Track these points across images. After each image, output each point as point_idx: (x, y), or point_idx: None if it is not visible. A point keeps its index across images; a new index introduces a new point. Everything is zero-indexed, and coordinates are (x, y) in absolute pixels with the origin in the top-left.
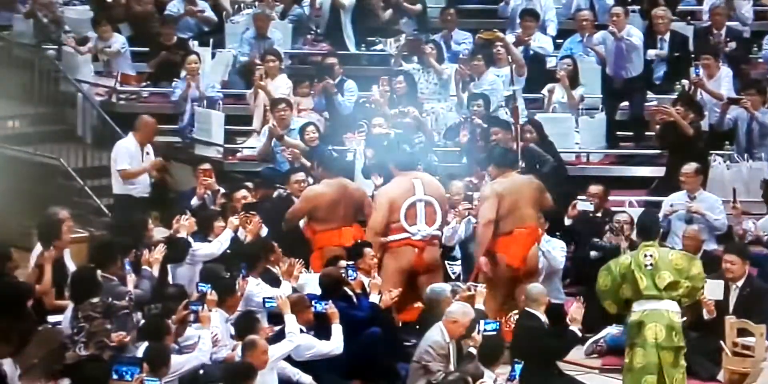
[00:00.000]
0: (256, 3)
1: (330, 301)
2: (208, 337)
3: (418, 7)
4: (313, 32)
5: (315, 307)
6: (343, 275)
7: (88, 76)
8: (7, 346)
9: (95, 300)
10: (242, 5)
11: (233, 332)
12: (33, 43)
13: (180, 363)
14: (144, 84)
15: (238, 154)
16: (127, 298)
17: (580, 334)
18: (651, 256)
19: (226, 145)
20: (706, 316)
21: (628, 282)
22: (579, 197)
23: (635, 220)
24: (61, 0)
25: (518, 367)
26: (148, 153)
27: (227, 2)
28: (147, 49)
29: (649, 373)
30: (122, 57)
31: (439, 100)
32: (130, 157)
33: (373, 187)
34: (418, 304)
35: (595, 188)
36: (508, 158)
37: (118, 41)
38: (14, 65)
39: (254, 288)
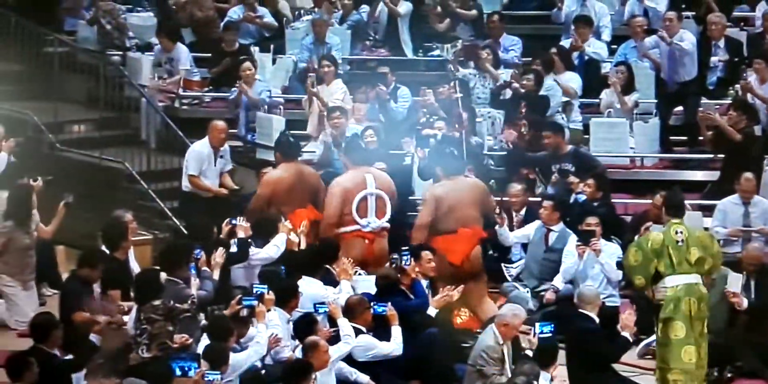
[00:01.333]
0: (316, 9)
1: (389, 304)
2: (264, 331)
3: (473, 12)
4: (371, 38)
5: (374, 310)
6: (398, 261)
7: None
8: None
9: (157, 302)
10: (302, 11)
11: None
12: (98, 49)
13: (240, 360)
14: (206, 89)
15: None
16: (189, 301)
17: (632, 341)
18: (681, 232)
19: None
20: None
21: (661, 258)
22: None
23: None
24: (124, 7)
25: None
26: (221, 156)
27: (287, 9)
28: (209, 54)
29: (688, 344)
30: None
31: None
32: (201, 162)
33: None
34: None
35: (657, 198)
36: (456, 164)
37: (182, 53)
38: (79, 71)
39: (321, 290)
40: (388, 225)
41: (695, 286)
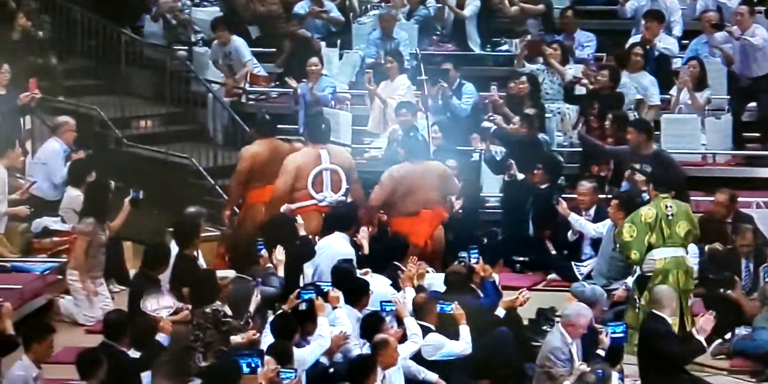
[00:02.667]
0: (383, 4)
1: (456, 303)
2: (326, 325)
3: (541, 7)
4: (438, 33)
5: (441, 308)
6: (466, 259)
7: (218, 77)
8: None
9: (208, 309)
10: (369, 6)
11: None
12: (164, 44)
13: (305, 356)
14: (273, 84)
15: (365, 154)
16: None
17: (705, 345)
18: (671, 207)
19: (354, 145)
20: None
21: (653, 231)
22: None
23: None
24: (189, 2)
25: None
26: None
27: (356, 3)
28: (274, 50)
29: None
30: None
31: (564, 101)
32: None
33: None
34: None
35: (721, 196)
36: (421, 149)
37: (240, 45)
38: (146, 66)
39: (388, 289)
40: (344, 199)
41: (682, 258)
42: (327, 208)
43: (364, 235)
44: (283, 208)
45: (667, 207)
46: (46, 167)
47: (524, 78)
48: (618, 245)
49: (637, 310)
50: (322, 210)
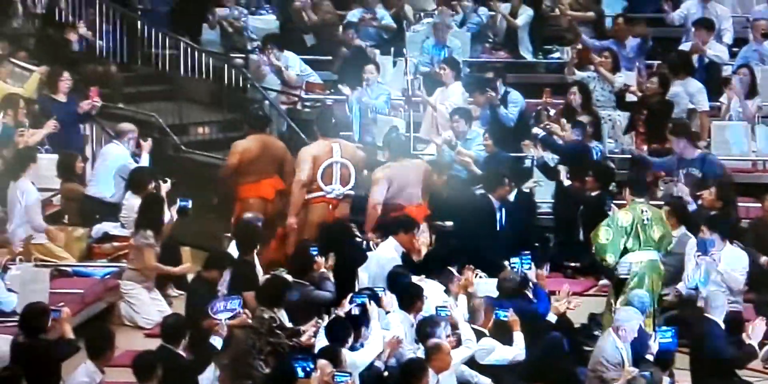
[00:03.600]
0: (436, 12)
1: (511, 309)
2: (378, 329)
3: (590, 14)
4: (491, 40)
5: (496, 315)
6: (517, 267)
7: (274, 84)
8: None
9: (266, 315)
10: (423, 14)
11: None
12: (221, 51)
13: (357, 359)
14: (328, 92)
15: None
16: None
17: (758, 351)
18: (646, 211)
19: None
20: None
21: (629, 235)
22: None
23: None
24: (245, 10)
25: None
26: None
27: (409, 11)
28: (329, 57)
29: (648, 317)
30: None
31: (614, 108)
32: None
33: None
34: None
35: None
36: (402, 147)
37: (290, 60)
38: (203, 73)
39: (442, 295)
40: (352, 192)
41: (656, 262)
42: (335, 200)
43: (424, 240)
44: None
45: (642, 212)
46: (108, 170)
47: (575, 88)
48: (593, 248)
49: (613, 313)
50: (330, 202)
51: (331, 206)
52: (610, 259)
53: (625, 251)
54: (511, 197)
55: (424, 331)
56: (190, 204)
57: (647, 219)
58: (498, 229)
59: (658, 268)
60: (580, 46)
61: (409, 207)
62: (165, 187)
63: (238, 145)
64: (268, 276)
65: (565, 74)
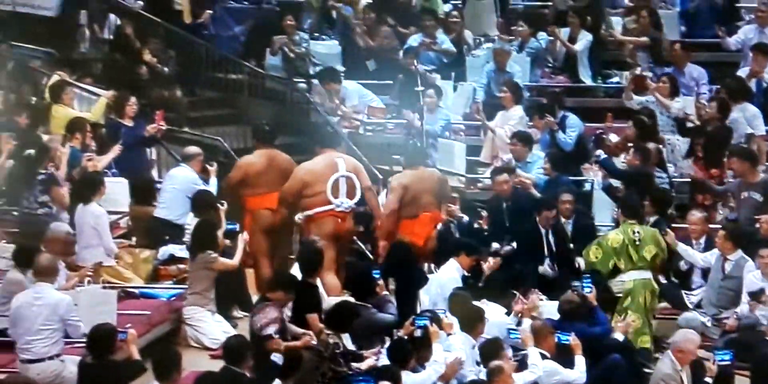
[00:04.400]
0: (496, 38)
1: (572, 333)
2: (440, 351)
3: (644, 39)
4: (550, 65)
5: (558, 338)
6: (579, 288)
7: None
8: None
9: (331, 340)
10: (482, 39)
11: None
12: (284, 76)
13: (419, 381)
14: (389, 116)
15: (479, 184)
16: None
17: None
18: (638, 232)
19: (468, 175)
20: None
21: (621, 255)
22: None
23: None
24: (306, 36)
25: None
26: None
27: (469, 36)
28: (390, 82)
29: (644, 334)
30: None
31: (673, 133)
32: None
33: None
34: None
35: None
36: (418, 156)
37: (348, 92)
38: (267, 97)
39: (505, 317)
40: (360, 208)
41: (648, 280)
42: (342, 214)
43: (492, 265)
44: (297, 216)
45: (634, 232)
46: (177, 192)
47: (641, 115)
48: (583, 265)
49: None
50: (339, 215)
51: (339, 219)
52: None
53: (618, 271)
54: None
55: (489, 352)
56: (237, 227)
57: (638, 240)
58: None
59: (650, 285)
60: (638, 71)
61: (424, 214)
62: (223, 210)
63: (243, 159)
64: (337, 300)
65: (623, 99)
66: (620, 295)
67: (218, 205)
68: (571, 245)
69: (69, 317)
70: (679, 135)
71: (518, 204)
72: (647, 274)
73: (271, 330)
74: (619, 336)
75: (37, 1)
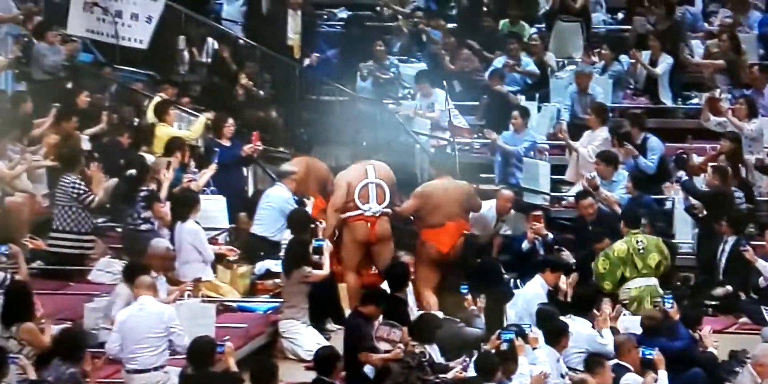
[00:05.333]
0: (579, 60)
1: (657, 349)
2: (526, 362)
3: (719, 62)
4: (631, 87)
5: (642, 353)
6: (661, 303)
7: (424, 129)
8: None
9: (417, 350)
10: (566, 62)
11: (564, 371)
12: (374, 98)
13: None
14: (475, 136)
15: (563, 202)
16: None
17: None
18: (642, 241)
19: (552, 194)
20: None
21: (627, 264)
22: None
23: None
24: (396, 60)
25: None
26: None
27: (553, 59)
28: (476, 103)
29: None
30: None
31: (752, 152)
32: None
33: None
34: (374, 270)
35: None
36: (446, 165)
37: (439, 97)
38: (358, 118)
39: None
40: (388, 210)
41: (653, 287)
42: (372, 218)
43: (571, 281)
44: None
45: (637, 242)
46: (273, 209)
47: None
48: (593, 276)
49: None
50: (368, 219)
51: (369, 224)
52: (608, 286)
53: (624, 279)
54: None
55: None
56: (324, 244)
57: (642, 249)
58: None
59: (656, 291)
60: (715, 94)
61: (450, 223)
62: (321, 228)
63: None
64: (422, 312)
65: (701, 120)
66: (626, 302)
67: (317, 223)
68: None
69: (173, 325)
70: None
71: (601, 221)
72: (653, 281)
73: (381, 346)
74: (714, 350)
75: (133, 34)
